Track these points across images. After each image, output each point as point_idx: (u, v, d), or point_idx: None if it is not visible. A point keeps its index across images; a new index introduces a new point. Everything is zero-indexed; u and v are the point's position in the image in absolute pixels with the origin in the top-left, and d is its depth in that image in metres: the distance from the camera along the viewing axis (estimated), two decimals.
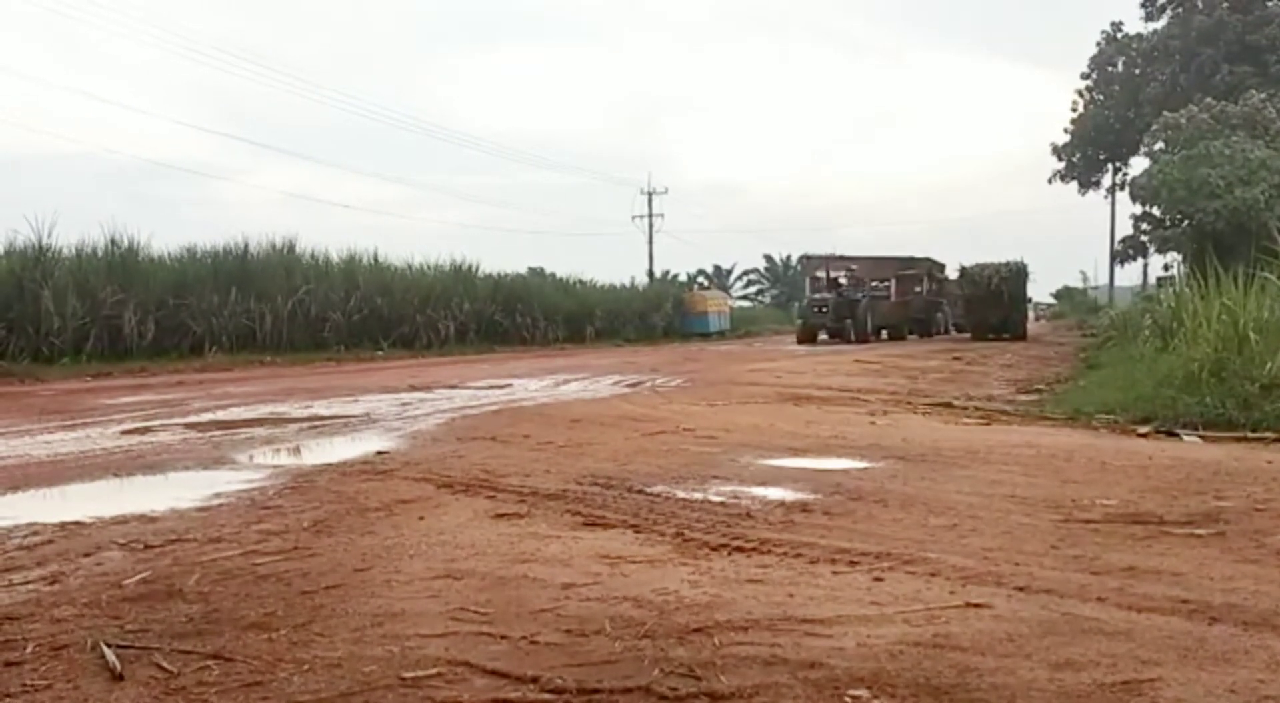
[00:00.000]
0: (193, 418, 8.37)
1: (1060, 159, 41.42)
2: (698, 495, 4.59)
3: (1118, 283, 47.30)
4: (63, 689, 2.28)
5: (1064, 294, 66.32)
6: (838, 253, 33.67)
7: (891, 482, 4.90)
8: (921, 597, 2.92)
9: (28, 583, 3.17)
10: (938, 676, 2.29)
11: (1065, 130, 41.06)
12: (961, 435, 6.89)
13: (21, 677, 2.35)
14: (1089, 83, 40.33)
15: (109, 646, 2.51)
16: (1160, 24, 37.38)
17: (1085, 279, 64.54)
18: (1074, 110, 40.92)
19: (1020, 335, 28.01)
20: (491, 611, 2.83)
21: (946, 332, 35.61)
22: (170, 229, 67.88)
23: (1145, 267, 38.73)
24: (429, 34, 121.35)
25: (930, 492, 4.62)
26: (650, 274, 45.90)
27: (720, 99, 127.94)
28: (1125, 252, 38.30)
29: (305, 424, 7.86)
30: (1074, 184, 42.17)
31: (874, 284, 32.66)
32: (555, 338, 27.99)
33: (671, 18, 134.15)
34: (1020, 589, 2.99)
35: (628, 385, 12.25)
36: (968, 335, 30.18)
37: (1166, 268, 27.33)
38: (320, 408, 9.20)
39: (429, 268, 25.90)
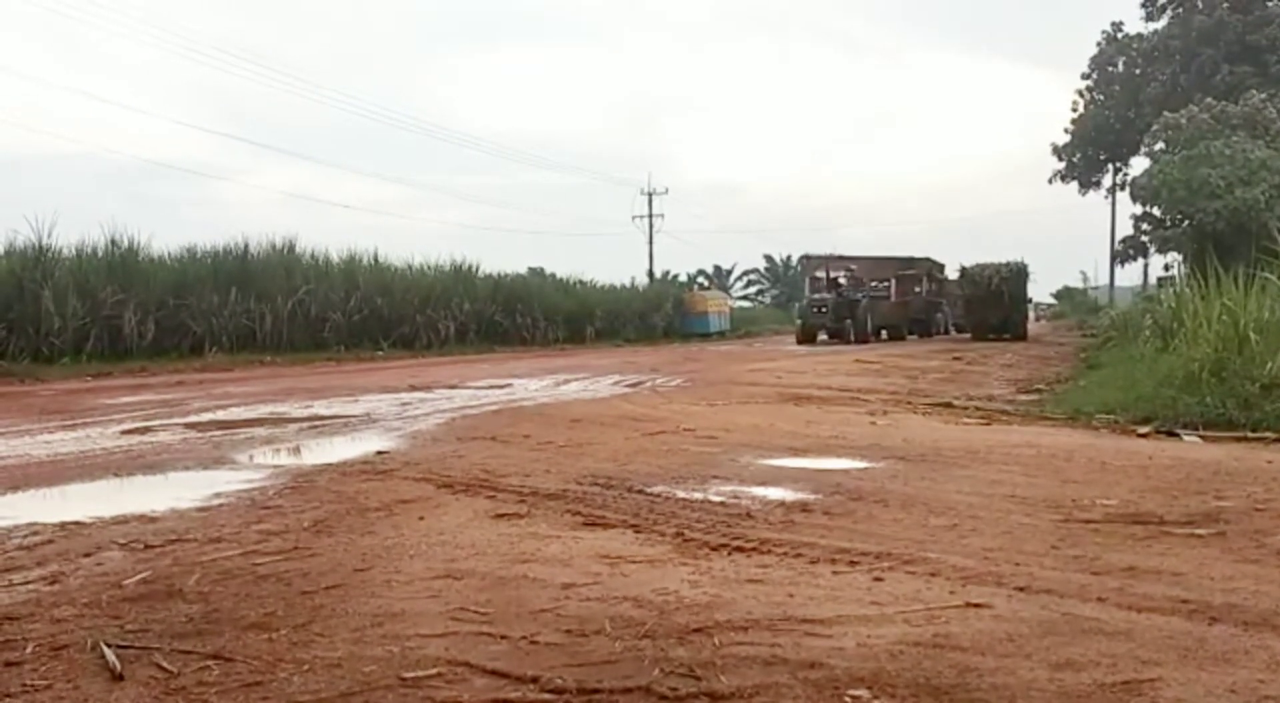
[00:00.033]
0: (193, 418, 8.36)
1: (1060, 159, 41.43)
2: (698, 495, 4.59)
3: (1118, 283, 47.34)
4: (63, 689, 2.28)
5: (1064, 294, 66.37)
6: (837, 253, 33.69)
7: (892, 482, 4.90)
8: (921, 597, 2.92)
9: (28, 583, 3.17)
10: (938, 676, 2.29)
11: (1065, 130, 41.12)
12: (962, 435, 6.89)
13: (21, 677, 2.35)
14: (1089, 83, 40.34)
15: (109, 646, 2.51)
16: (1160, 24, 37.38)
17: (1085, 279, 64.69)
18: (1074, 110, 40.97)
19: (1020, 335, 28.00)
20: (491, 611, 2.83)
21: (946, 332, 35.62)
22: (170, 229, 68.05)
23: (1145, 267, 38.80)
24: (429, 34, 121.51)
25: (930, 492, 4.62)
26: (650, 274, 45.95)
27: (720, 99, 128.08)
28: (1125, 252, 38.29)
29: (305, 424, 7.86)
30: (1074, 184, 42.21)
31: (874, 284, 32.66)
32: (555, 338, 27.99)
33: (671, 18, 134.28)
34: (1020, 589, 2.99)
35: (628, 385, 12.25)
36: (968, 335, 30.19)
37: (1167, 268, 27.37)
38: (320, 408, 9.20)
39: (429, 268, 25.94)
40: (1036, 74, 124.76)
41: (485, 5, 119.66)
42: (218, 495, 4.67)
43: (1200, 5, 35.76)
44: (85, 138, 78.10)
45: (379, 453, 6.08)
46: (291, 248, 21.72)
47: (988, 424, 7.82)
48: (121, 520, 4.10)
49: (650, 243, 47.10)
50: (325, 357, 19.49)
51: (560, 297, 29.96)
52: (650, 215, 46.86)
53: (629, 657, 2.45)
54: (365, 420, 8.10)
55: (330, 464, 5.63)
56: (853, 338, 27.54)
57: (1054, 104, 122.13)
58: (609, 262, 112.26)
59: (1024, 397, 10.62)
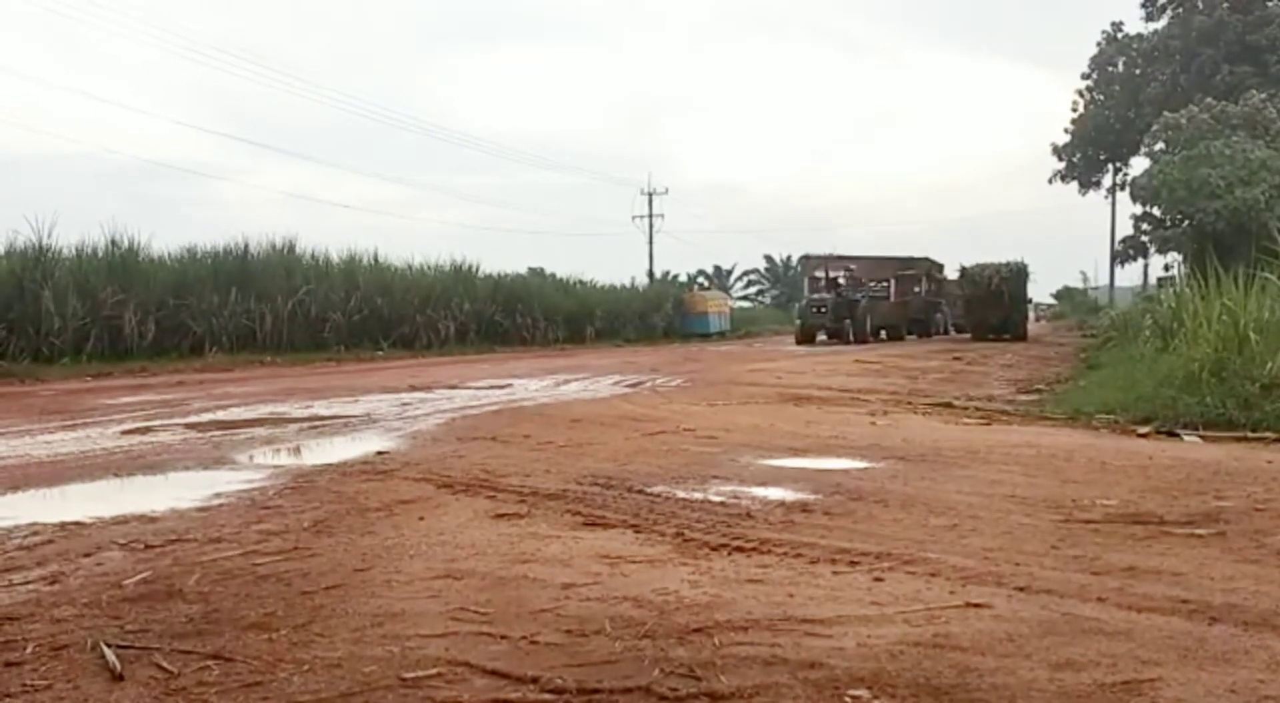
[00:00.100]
0: (193, 418, 8.37)
1: (1060, 159, 41.42)
2: (698, 496, 4.59)
3: (1118, 283, 47.30)
4: (63, 689, 2.28)
5: (1064, 294, 66.35)
6: (837, 253, 33.68)
7: (892, 482, 4.90)
8: (922, 597, 2.92)
9: (28, 583, 3.17)
10: (938, 676, 2.29)
11: (1065, 130, 41.11)
12: (962, 436, 6.89)
13: (21, 677, 2.35)
14: (1089, 83, 40.34)
15: (109, 646, 2.51)
16: (1160, 24, 37.38)
17: (1085, 279, 64.67)
18: (1074, 110, 40.97)
19: (1020, 336, 28.00)
20: (491, 611, 2.83)
21: (946, 332, 35.62)
22: (170, 229, 68.07)
23: (1145, 267, 38.78)
24: (429, 34, 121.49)
25: (930, 492, 4.62)
26: (650, 274, 45.95)
27: (720, 99, 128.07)
28: (1125, 252, 38.29)
29: (305, 424, 7.86)
30: (1074, 184, 42.19)
31: (873, 284, 32.67)
32: (555, 338, 27.99)
33: (671, 18, 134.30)
34: (1020, 589, 2.99)
35: (628, 386, 12.25)
36: (968, 336, 30.19)
37: (1167, 268, 27.37)
38: (320, 408, 9.20)
39: (429, 268, 25.93)
40: (1036, 74, 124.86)
41: (485, 5, 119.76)
42: (218, 496, 4.67)
43: (1200, 5, 35.76)
44: (85, 138, 78.19)
45: (379, 453, 6.08)
46: (291, 248, 21.75)
47: (988, 424, 7.82)
48: (121, 521, 4.10)
49: (650, 243, 47.17)
50: (325, 357, 19.49)
51: (560, 297, 29.96)
52: (650, 215, 46.93)
53: (629, 657, 2.45)
54: (365, 421, 8.10)
55: (330, 464, 5.63)
56: (852, 338, 27.53)
57: (1054, 104, 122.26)
58: (609, 262, 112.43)
59: (1024, 397, 10.62)
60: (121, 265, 17.76)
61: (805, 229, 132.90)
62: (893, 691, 2.21)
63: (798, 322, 29.95)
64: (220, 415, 8.59)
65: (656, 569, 3.29)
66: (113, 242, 18.06)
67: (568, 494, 4.61)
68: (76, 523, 4.04)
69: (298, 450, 6.45)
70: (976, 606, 2.83)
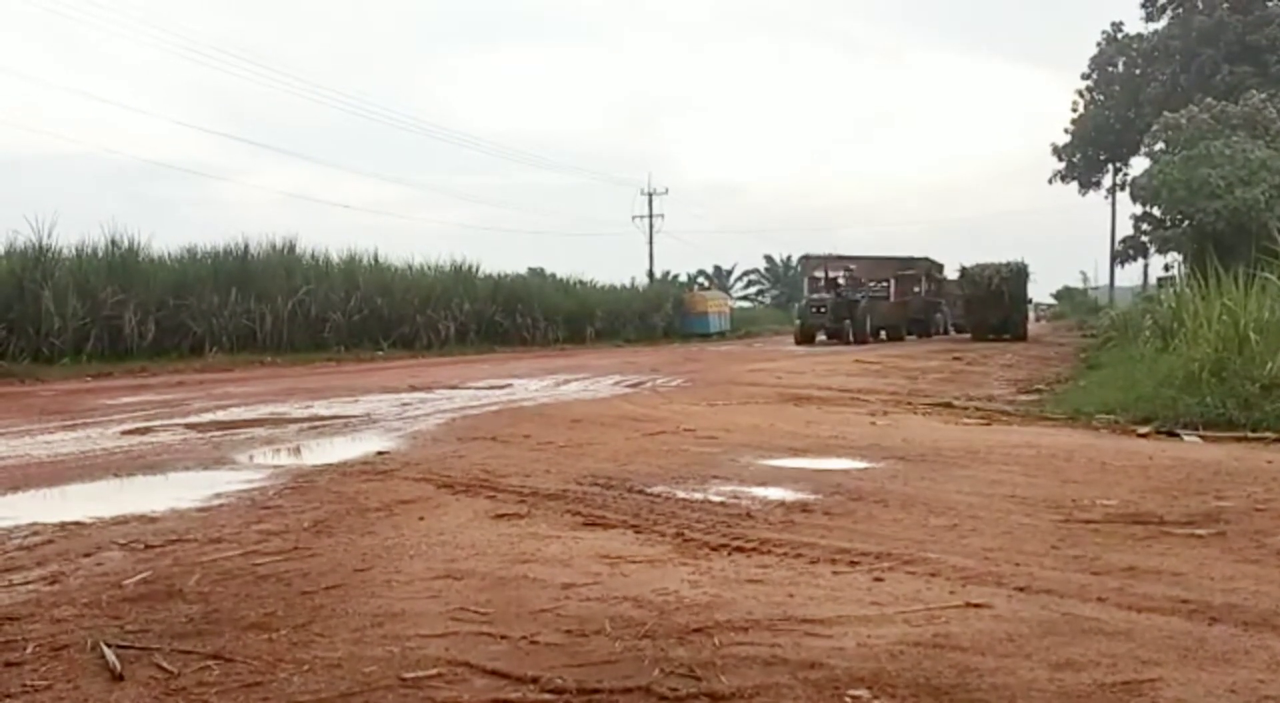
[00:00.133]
0: (193, 418, 8.37)
1: (1060, 159, 41.44)
2: (698, 496, 4.59)
3: (1118, 283, 47.31)
4: (63, 689, 2.28)
5: (1064, 294, 66.34)
6: (837, 253, 33.67)
7: (892, 482, 4.90)
8: (922, 597, 2.92)
9: (28, 583, 3.17)
10: (938, 676, 2.29)
11: (1065, 130, 41.14)
12: (962, 436, 6.89)
13: (21, 677, 2.35)
14: (1089, 83, 40.36)
15: (109, 646, 2.51)
16: (1160, 24, 37.40)
17: (1085, 279, 64.68)
18: (1074, 110, 40.99)
19: (1020, 336, 27.99)
20: (491, 611, 2.83)
21: (945, 332, 35.62)
22: (170, 229, 68.19)
23: (1145, 267, 38.80)
24: (429, 34, 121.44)
25: (930, 492, 4.62)
26: (650, 274, 45.94)
27: (720, 99, 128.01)
28: (1125, 252, 38.30)
29: (305, 424, 7.87)
30: (1074, 184, 42.22)
31: (872, 284, 32.66)
32: (555, 338, 27.99)
33: (671, 18, 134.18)
34: (1020, 589, 2.99)
35: (628, 386, 12.25)
36: (967, 336, 30.19)
37: (1167, 268, 27.38)
38: (320, 408, 9.20)
39: (429, 268, 25.94)
40: (1036, 74, 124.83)
41: (485, 5, 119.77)
42: (218, 496, 4.67)
43: (1200, 5, 35.77)
44: (85, 138, 78.20)
45: (379, 453, 6.08)
46: (291, 248, 21.75)
47: (988, 424, 7.82)
48: (121, 521, 4.11)
49: (650, 243, 47.16)
50: (325, 357, 19.49)
51: (560, 297, 29.96)
52: (650, 215, 46.91)
53: (629, 657, 2.45)
54: (365, 421, 8.10)
55: (330, 464, 5.63)
56: (851, 338, 27.52)
57: (1054, 104, 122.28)
58: (609, 262, 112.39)
59: (1024, 397, 10.62)
60: (121, 265, 17.77)
61: (805, 229, 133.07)
62: (893, 691, 2.21)
63: (797, 322, 29.93)
64: (220, 416, 8.59)
65: (656, 569, 3.29)
66: (113, 242, 18.10)
67: (568, 494, 4.61)
68: (76, 523, 4.05)
69: (298, 450, 6.45)
70: (976, 606, 2.83)
